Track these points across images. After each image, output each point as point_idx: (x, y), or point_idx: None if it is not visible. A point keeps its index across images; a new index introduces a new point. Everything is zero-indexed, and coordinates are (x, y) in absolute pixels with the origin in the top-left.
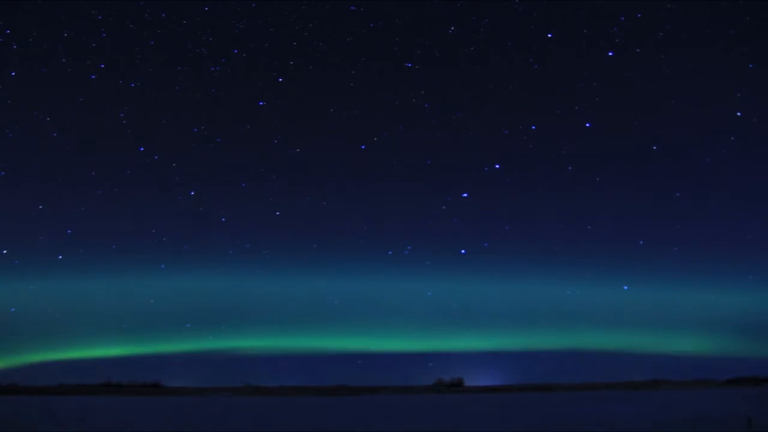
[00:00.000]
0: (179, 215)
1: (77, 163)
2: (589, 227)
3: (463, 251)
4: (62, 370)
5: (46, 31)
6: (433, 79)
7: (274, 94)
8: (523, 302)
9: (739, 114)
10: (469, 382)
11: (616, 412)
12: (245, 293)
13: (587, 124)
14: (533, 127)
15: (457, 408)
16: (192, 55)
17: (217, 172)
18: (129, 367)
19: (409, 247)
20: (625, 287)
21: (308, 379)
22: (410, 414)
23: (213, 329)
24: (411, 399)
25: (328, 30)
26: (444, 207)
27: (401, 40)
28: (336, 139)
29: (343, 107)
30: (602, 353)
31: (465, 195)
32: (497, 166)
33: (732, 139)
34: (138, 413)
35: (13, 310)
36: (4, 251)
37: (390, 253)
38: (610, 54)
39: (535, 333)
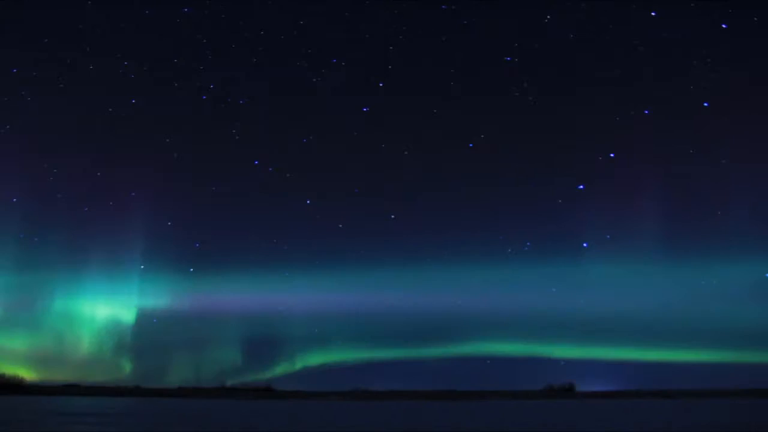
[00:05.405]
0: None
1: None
2: (719, 212)
3: (585, 245)
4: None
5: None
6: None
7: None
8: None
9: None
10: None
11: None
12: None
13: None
14: (646, 112)
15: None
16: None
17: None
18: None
19: (528, 243)
20: None
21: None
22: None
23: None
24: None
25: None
26: (560, 201)
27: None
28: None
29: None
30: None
31: (581, 187)
32: (612, 155)
33: None
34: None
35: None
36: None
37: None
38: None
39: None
